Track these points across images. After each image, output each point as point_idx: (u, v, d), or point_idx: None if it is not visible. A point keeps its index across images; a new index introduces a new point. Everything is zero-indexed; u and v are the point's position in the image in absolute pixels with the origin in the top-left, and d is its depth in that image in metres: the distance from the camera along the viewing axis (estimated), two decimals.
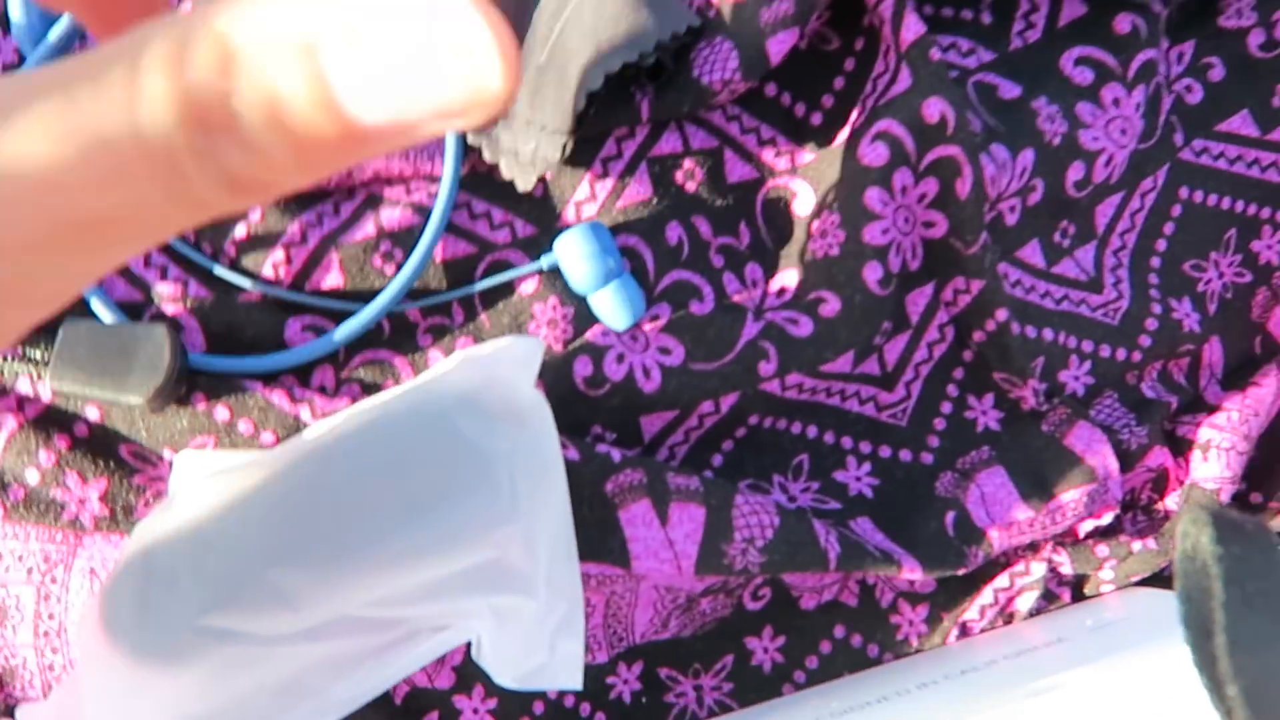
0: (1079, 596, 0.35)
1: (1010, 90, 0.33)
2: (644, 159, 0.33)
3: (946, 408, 0.35)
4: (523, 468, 0.27)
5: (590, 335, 0.31)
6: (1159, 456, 0.35)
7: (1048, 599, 0.35)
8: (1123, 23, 0.34)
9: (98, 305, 0.29)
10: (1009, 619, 0.34)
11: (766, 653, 0.34)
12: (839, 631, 0.34)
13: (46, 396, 0.29)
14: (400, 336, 0.31)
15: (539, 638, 0.28)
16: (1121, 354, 0.35)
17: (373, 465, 0.26)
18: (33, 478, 0.28)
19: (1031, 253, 0.35)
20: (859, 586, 0.34)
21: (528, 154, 0.31)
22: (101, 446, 0.28)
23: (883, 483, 0.34)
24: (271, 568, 0.25)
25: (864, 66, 0.34)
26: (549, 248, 0.32)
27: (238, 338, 0.31)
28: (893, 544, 0.32)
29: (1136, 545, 0.34)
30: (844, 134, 0.34)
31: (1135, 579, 0.34)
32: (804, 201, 0.34)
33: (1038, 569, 0.34)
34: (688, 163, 0.33)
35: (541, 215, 0.33)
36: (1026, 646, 0.32)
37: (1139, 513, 0.36)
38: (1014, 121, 0.33)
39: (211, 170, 0.11)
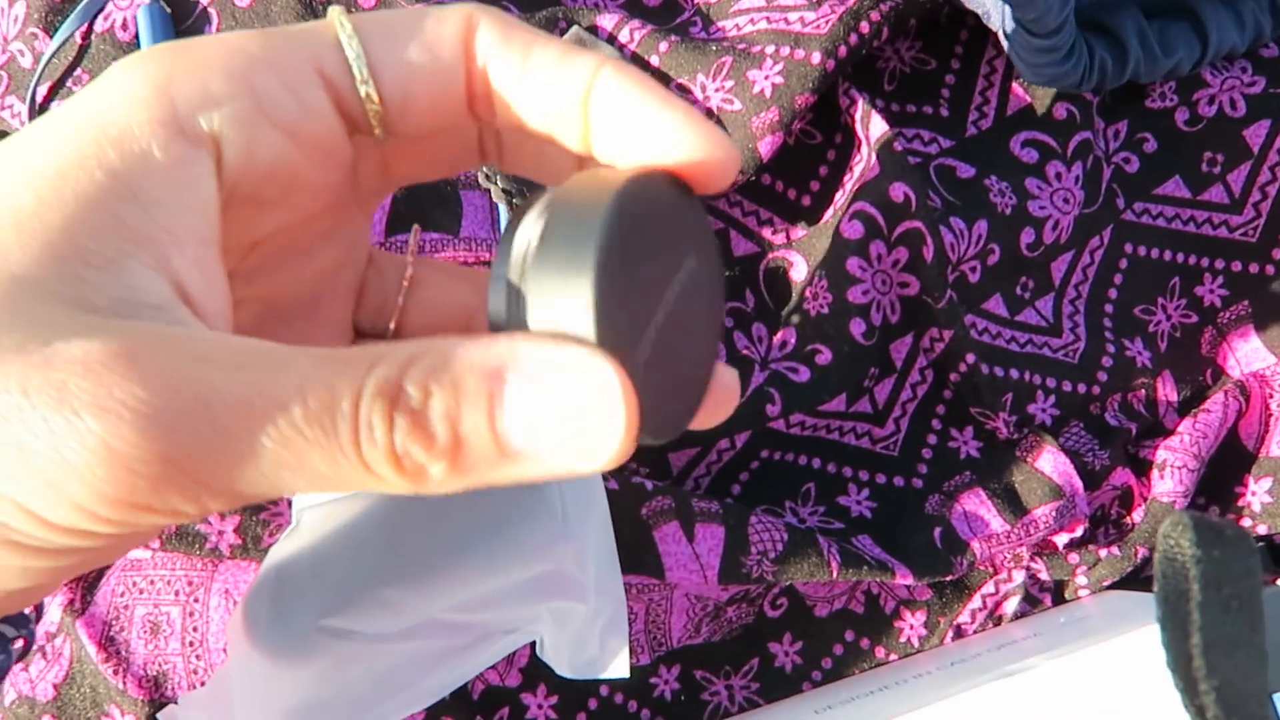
0: (1059, 599, 0.40)
1: (966, 171, 0.40)
2: None
3: (932, 439, 0.41)
4: (572, 497, 0.33)
5: None
6: (1122, 476, 0.40)
7: (1031, 603, 0.40)
8: (1060, 110, 0.40)
9: None
10: (997, 621, 0.40)
11: (787, 655, 0.39)
12: (849, 635, 0.39)
13: None
14: None
15: (591, 636, 0.34)
16: (1082, 388, 0.41)
17: (456, 495, 0.33)
18: None
19: (996, 304, 0.41)
20: (865, 596, 0.40)
21: None
22: None
23: (879, 505, 0.40)
24: (376, 578, 0.31)
25: (843, 156, 0.41)
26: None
27: None
28: (888, 556, 0.38)
29: (1103, 553, 0.39)
30: (829, 213, 0.40)
31: (1107, 583, 0.39)
32: (799, 270, 0.40)
33: (1019, 576, 0.39)
34: None
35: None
36: (1007, 641, 0.37)
37: (1109, 526, 0.41)
38: (969, 197, 0.39)
39: (389, 449, 0.15)
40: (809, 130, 0.42)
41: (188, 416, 0.14)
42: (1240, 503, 0.41)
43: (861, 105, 0.38)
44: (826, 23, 0.38)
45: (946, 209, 0.39)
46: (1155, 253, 0.42)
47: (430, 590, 0.32)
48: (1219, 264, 0.42)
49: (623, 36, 0.40)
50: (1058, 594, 0.40)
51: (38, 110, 0.39)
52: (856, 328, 0.38)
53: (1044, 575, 0.39)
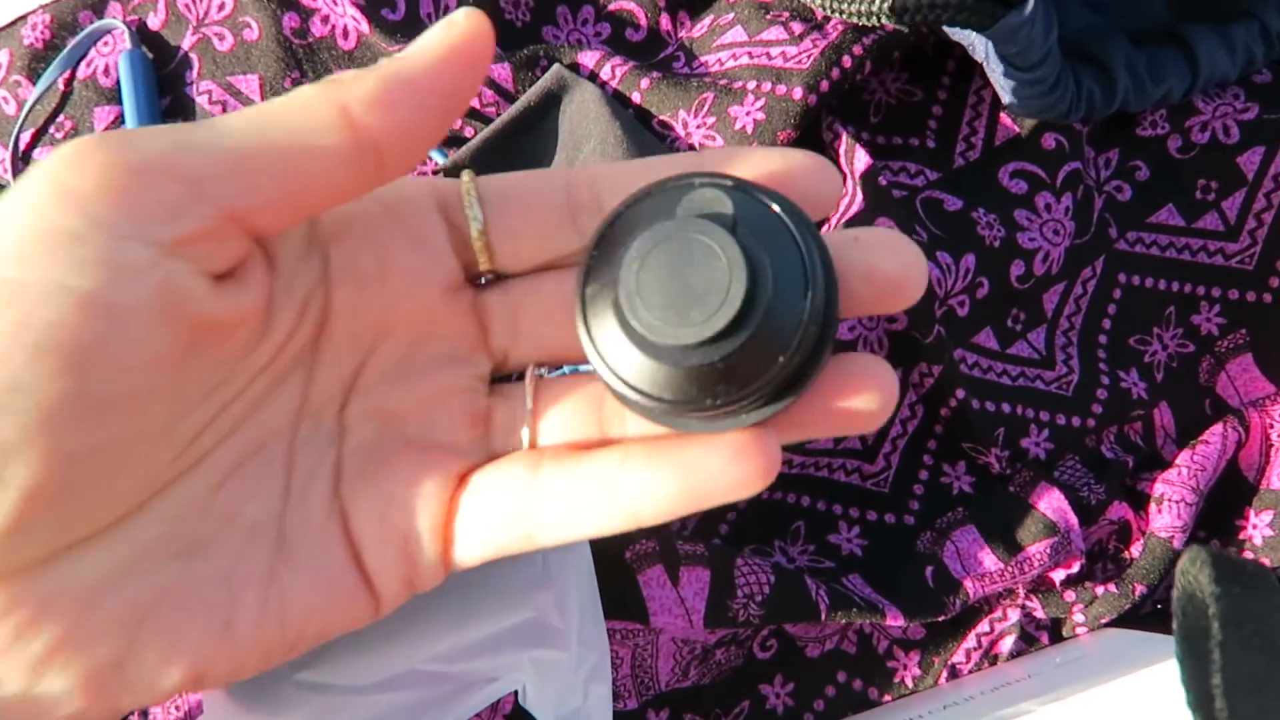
0: (1057, 637, 0.39)
1: (953, 204, 0.39)
2: None
3: (924, 475, 0.40)
4: None
5: None
6: (1119, 510, 0.39)
7: (1027, 641, 0.39)
8: (1049, 140, 0.40)
9: None
10: (993, 660, 0.39)
11: (779, 697, 0.39)
12: (841, 677, 0.39)
13: None
14: None
15: (574, 685, 0.33)
16: (1076, 421, 0.40)
17: None
18: None
19: (986, 338, 0.40)
20: (857, 636, 0.39)
21: None
22: None
23: (870, 543, 0.39)
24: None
25: None
26: None
27: None
28: (879, 596, 0.37)
29: (1100, 590, 0.38)
30: None
31: (1105, 620, 0.38)
32: None
33: (1014, 614, 0.38)
34: None
35: None
36: (1002, 682, 0.36)
37: (1107, 561, 0.40)
38: (956, 230, 0.39)
39: None
40: None
41: None
42: (1241, 536, 0.40)
43: (845, 139, 0.38)
44: (809, 57, 0.37)
45: (933, 243, 0.38)
46: (1150, 282, 0.42)
47: (408, 640, 0.32)
48: (1215, 292, 0.42)
49: (604, 74, 0.40)
50: (1055, 632, 0.39)
51: (20, 157, 0.39)
52: None
53: (1040, 613, 0.38)
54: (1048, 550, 0.38)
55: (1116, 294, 0.41)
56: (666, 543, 0.35)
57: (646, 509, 0.20)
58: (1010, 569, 0.38)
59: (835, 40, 0.37)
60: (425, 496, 0.21)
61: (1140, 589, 0.38)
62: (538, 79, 0.40)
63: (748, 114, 0.37)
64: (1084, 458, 0.40)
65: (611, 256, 0.19)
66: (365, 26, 0.39)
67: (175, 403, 0.18)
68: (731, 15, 0.41)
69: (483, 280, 0.23)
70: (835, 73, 0.37)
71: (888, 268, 0.20)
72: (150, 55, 0.40)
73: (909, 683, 0.39)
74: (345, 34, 0.40)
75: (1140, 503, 0.40)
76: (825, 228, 0.39)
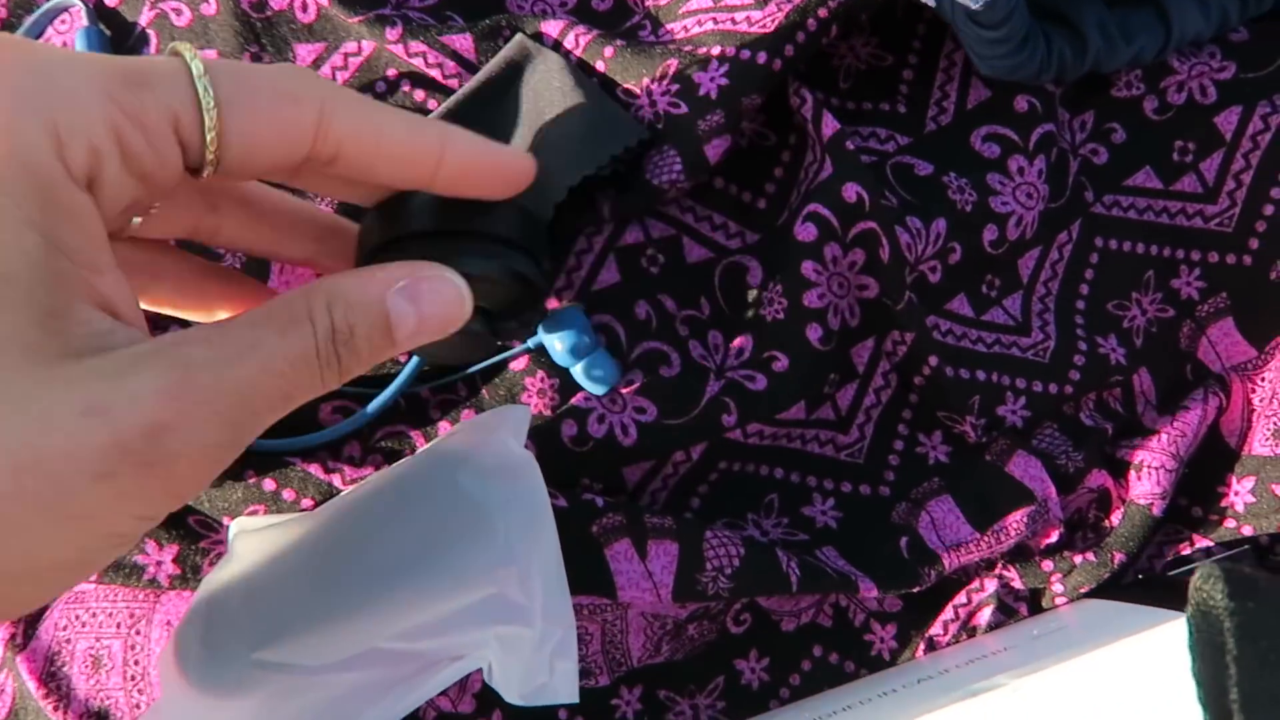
0: (1036, 608, 0.39)
1: (924, 169, 0.39)
2: (611, 250, 0.39)
3: (899, 445, 0.39)
4: (515, 516, 0.32)
5: (575, 400, 0.37)
6: (1098, 478, 0.38)
7: (1006, 613, 0.38)
8: (1021, 102, 0.39)
9: None
10: (972, 632, 0.38)
11: (754, 672, 0.38)
12: (817, 651, 0.38)
13: None
14: (414, 412, 0.37)
15: (540, 661, 0.33)
16: (1054, 389, 0.39)
17: (392, 520, 0.32)
18: None
19: (960, 304, 0.39)
20: (833, 610, 0.39)
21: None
22: (173, 518, 0.34)
23: (845, 515, 0.39)
24: (312, 607, 0.30)
25: (797, 157, 0.40)
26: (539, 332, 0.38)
27: (281, 422, 0.37)
28: (852, 568, 0.36)
29: (1079, 559, 0.37)
30: (785, 215, 0.39)
31: (1084, 590, 0.38)
32: (755, 274, 0.39)
33: (991, 585, 0.38)
34: (650, 250, 0.39)
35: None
36: (979, 655, 0.36)
37: (1087, 530, 0.39)
38: (926, 195, 0.38)
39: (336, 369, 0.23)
40: (763, 131, 0.41)
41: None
42: (1223, 503, 0.39)
43: (812, 104, 0.37)
44: (773, 21, 0.36)
45: (903, 208, 0.38)
46: (1128, 246, 0.41)
47: (369, 618, 0.31)
48: (1195, 255, 0.41)
49: (568, 42, 0.39)
50: (1034, 602, 0.39)
51: None
52: (813, 333, 0.37)
53: (1018, 584, 0.38)
54: (1025, 519, 0.37)
55: (1094, 259, 0.41)
56: (634, 516, 0.35)
57: None
58: (987, 539, 0.37)
59: (800, 3, 0.36)
60: None
61: (1120, 557, 0.37)
62: (500, 49, 0.39)
63: (711, 80, 0.36)
64: (1062, 425, 0.40)
65: None
66: None
67: None
68: None
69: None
70: (801, 36, 0.36)
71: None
72: (108, 32, 0.39)
73: (886, 656, 0.38)
74: (304, 7, 0.39)
75: (1120, 470, 0.39)
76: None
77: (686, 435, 0.36)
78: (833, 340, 0.37)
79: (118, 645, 0.35)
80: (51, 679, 0.34)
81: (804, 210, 0.37)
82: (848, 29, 0.39)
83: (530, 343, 0.37)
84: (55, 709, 0.34)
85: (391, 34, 0.38)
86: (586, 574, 0.34)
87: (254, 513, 0.34)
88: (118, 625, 0.35)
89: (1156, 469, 0.38)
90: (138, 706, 0.34)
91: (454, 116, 0.38)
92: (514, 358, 0.38)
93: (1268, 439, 0.38)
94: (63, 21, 0.40)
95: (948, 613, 0.38)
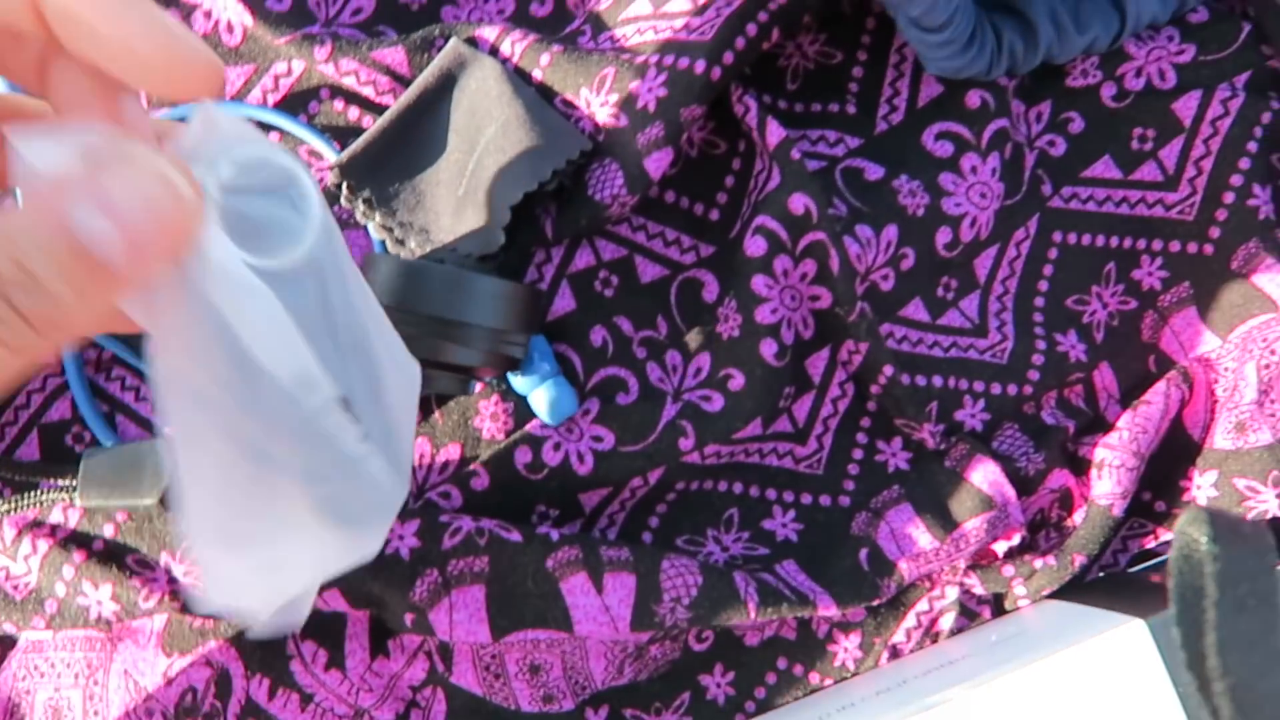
0: (1000, 611, 0.38)
1: (874, 172, 0.38)
2: (564, 277, 0.38)
3: (858, 454, 0.39)
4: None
5: (530, 427, 0.37)
6: (1059, 478, 0.38)
7: (969, 617, 0.38)
8: (973, 98, 0.38)
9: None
10: (935, 638, 0.38)
11: (719, 687, 0.38)
12: (781, 663, 0.38)
13: (73, 522, 0.35)
14: None
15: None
16: (1013, 389, 0.39)
17: None
18: (60, 590, 0.34)
19: (915, 309, 0.39)
20: (797, 621, 0.39)
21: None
22: (112, 557, 0.34)
23: (806, 527, 0.38)
24: None
25: (748, 165, 0.39)
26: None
27: None
28: (813, 583, 0.36)
29: (1039, 563, 0.37)
30: (738, 226, 0.38)
31: (1046, 592, 0.37)
32: (710, 289, 0.38)
33: (951, 592, 0.38)
34: (603, 273, 0.38)
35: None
36: (939, 663, 0.36)
37: (1050, 530, 0.39)
38: (876, 201, 0.37)
39: (24, 334, 0.16)
40: (712, 140, 0.40)
41: None
42: (1186, 497, 0.39)
43: (756, 111, 0.36)
44: (711, 28, 0.35)
45: (852, 216, 0.37)
46: (1087, 239, 0.40)
47: None
48: (1156, 245, 0.40)
49: (504, 49, 0.38)
50: (998, 605, 0.39)
51: None
52: (767, 349, 0.36)
53: (978, 589, 0.38)
54: (984, 525, 0.37)
55: (1052, 254, 0.40)
56: (590, 549, 0.34)
57: None
58: (946, 547, 0.37)
59: (739, 8, 0.35)
60: None
61: (1080, 559, 0.37)
62: (434, 60, 0.38)
63: (649, 90, 0.35)
64: (1023, 425, 0.39)
65: None
66: (249, 19, 0.37)
67: None
68: None
69: None
70: (740, 42, 0.35)
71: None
72: None
73: (850, 665, 0.38)
74: (230, 29, 0.38)
75: (1082, 468, 0.39)
76: None
77: (644, 461, 0.36)
78: (787, 355, 0.37)
79: (77, 696, 0.35)
80: None
81: (753, 223, 0.36)
82: (792, 30, 0.38)
83: None
84: None
85: (320, 53, 0.37)
86: (543, 608, 0.34)
87: None
88: (75, 675, 0.35)
89: (1117, 467, 0.37)
90: None
91: (390, 132, 0.37)
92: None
93: (1229, 432, 0.38)
94: None
95: (910, 620, 0.38)
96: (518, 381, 0.37)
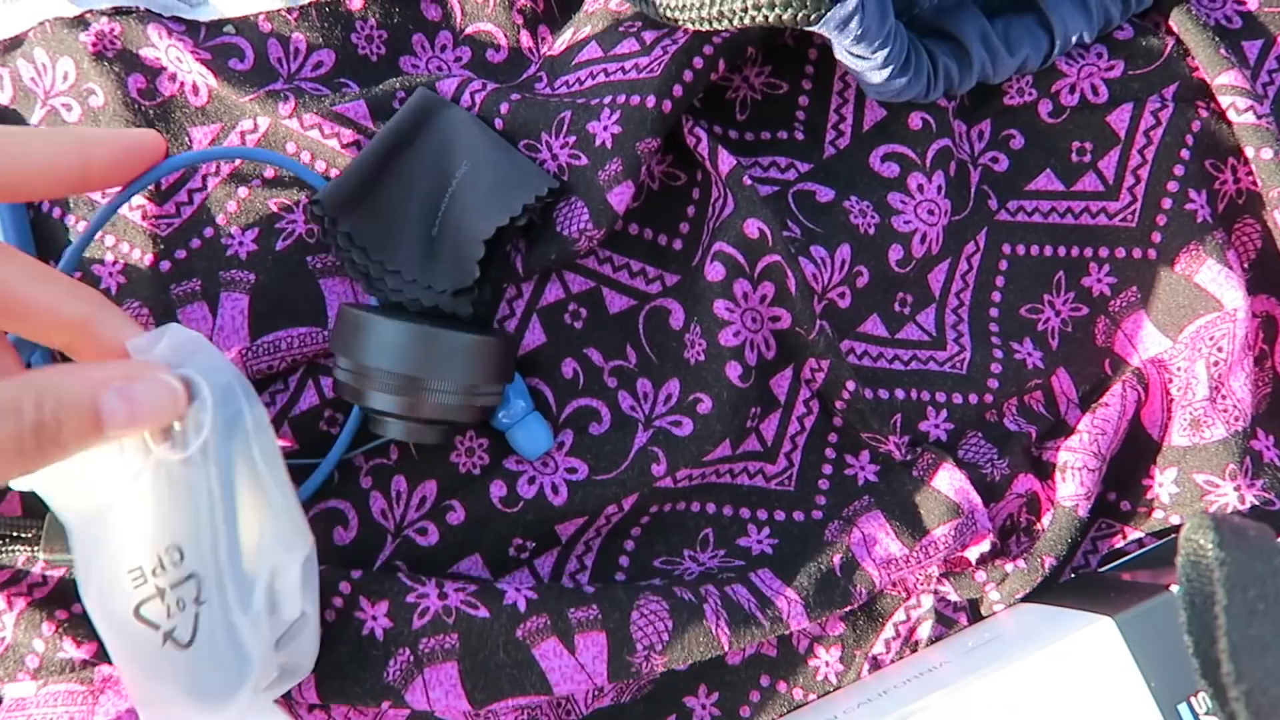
0: (977, 615, 0.39)
1: (825, 194, 0.39)
2: (534, 312, 0.39)
3: (827, 469, 0.40)
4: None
5: (505, 461, 0.37)
6: (1025, 483, 0.39)
7: (946, 624, 0.39)
8: (915, 120, 0.39)
9: None
10: (914, 647, 0.39)
11: (705, 709, 0.38)
12: (764, 680, 0.39)
13: (55, 576, 0.35)
14: (347, 481, 0.37)
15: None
16: (974, 398, 0.40)
17: None
18: (39, 647, 0.34)
19: (873, 325, 0.40)
20: (777, 638, 0.39)
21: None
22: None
23: (781, 541, 0.39)
24: None
25: (706, 195, 0.40)
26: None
27: None
28: (786, 588, 0.36)
29: (1010, 567, 0.38)
30: (699, 254, 0.39)
31: (1020, 595, 0.38)
32: (677, 317, 0.39)
33: (927, 600, 0.38)
34: (572, 306, 0.39)
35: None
36: (917, 672, 0.36)
37: (1020, 534, 0.40)
38: (828, 222, 0.38)
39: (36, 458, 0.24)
40: (672, 172, 0.41)
41: None
42: (1149, 495, 0.40)
43: (707, 141, 0.38)
44: (659, 65, 0.37)
45: (807, 238, 0.38)
46: (1035, 250, 0.41)
47: None
48: (1103, 252, 0.41)
49: (464, 100, 0.39)
50: (974, 610, 0.39)
51: None
52: (732, 371, 0.37)
53: (952, 596, 0.38)
54: (952, 532, 0.37)
55: (1003, 265, 0.41)
56: (558, 614, 0.34)
57: None
58: (916, 554, 0.37)
59: (684, 45, 0.37)
60: None
61: (1049, 561, 0.38)
62: (396, 112, 0.39)
63: (605, 129, 0.37)
64: (986, 433, 0.40)
65: None
66: (213, 80, 0.38)
67: None
68: (588, 29, 0.40)
69: None
70: (687, 75, 0.37)
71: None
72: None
73: (833, 679, 0.39)
74: (195, 90, 0.39)
75: (1047, 472, 0.40)
76: None
77: (617, 489, 0.37)
78: (752, 376, 0.38)
79: None
80: None
81: (711, 249, 0.37)
82: (737, 62, 0.39)
83: None
84: None
85: (284, 109, 0.38)
86: (520, 676, 0.33)
87: None
88: None
89: (1079, 469, 0.38)
90: None
91: (364, 172, 0.38)
92: None
93: (1185, 429, 0.39)
94: None
95: (888, 631, 0.39)
96: (495, 420, 0.37)
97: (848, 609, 0.37)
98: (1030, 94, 0.41)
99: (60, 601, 0.35)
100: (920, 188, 0.39)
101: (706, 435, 0.37)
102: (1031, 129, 0.41)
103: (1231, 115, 0.39)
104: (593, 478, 0.37)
